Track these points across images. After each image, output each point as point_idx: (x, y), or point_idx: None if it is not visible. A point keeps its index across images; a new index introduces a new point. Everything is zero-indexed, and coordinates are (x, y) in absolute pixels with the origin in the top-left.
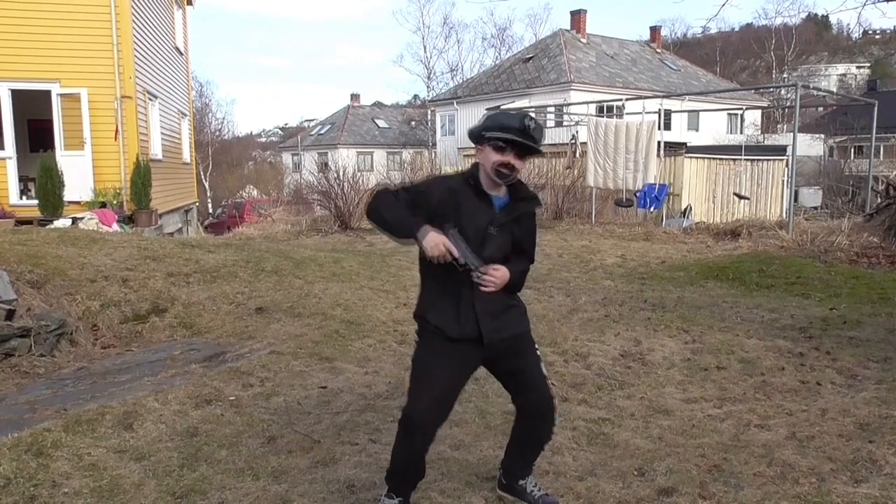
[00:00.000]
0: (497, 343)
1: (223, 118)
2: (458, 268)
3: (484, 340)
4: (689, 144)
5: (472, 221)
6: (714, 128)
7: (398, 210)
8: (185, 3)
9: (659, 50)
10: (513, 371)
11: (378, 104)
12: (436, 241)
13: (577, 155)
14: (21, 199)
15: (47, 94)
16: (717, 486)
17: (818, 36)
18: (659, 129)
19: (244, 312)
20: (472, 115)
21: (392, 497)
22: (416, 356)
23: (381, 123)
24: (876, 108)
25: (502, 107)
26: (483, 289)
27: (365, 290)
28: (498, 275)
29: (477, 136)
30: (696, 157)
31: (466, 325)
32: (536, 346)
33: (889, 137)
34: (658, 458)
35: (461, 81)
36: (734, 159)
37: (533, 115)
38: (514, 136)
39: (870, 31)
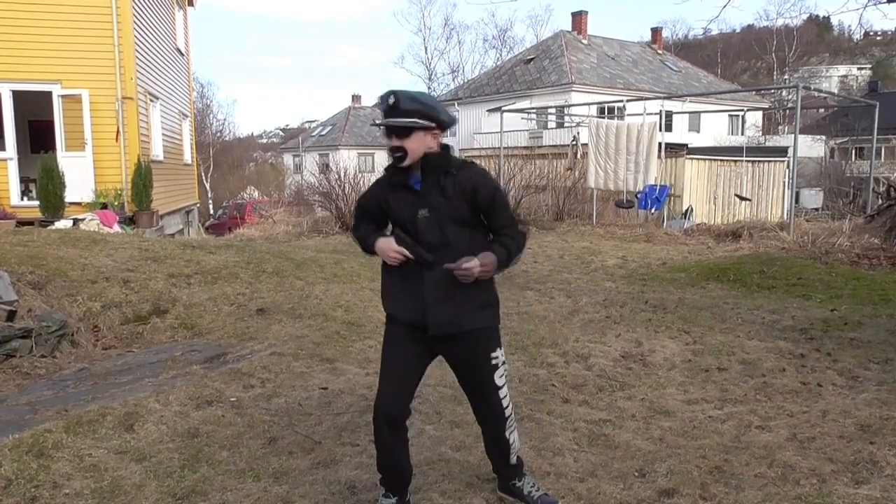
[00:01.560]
0: (442, 334)
1: (224, 119)
2: (418, 263)
3: (428, 330)
4: (690, 146)
5: (401, 214)
6: (715, 129)
7: (359, 228)
8: (186, 3)
9: (660, 51)
10: (463, 377)
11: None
12: (384, 249)
13: (578, 156)
14: (22, 200)
15: (48, 94)
16: (718, 488)
17: (819, 37)
18: (660, 130)
19: (245, 313)
20: (473, 117)
21: (389, 497)
22: (382, 346)
23: None
24: (877, 110)
25: (503, 108)
26: (463, 281)
27: (366, 292)
28: (471, 266)
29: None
30: (697, 159)
31: (413, 311)
32: (499, 352)
33: (890, 139)
34: (659, 460)
35: (462, 83)
36: (735, 160)
37: (394, 90)
38: (385, 118)
39: (871, 33)
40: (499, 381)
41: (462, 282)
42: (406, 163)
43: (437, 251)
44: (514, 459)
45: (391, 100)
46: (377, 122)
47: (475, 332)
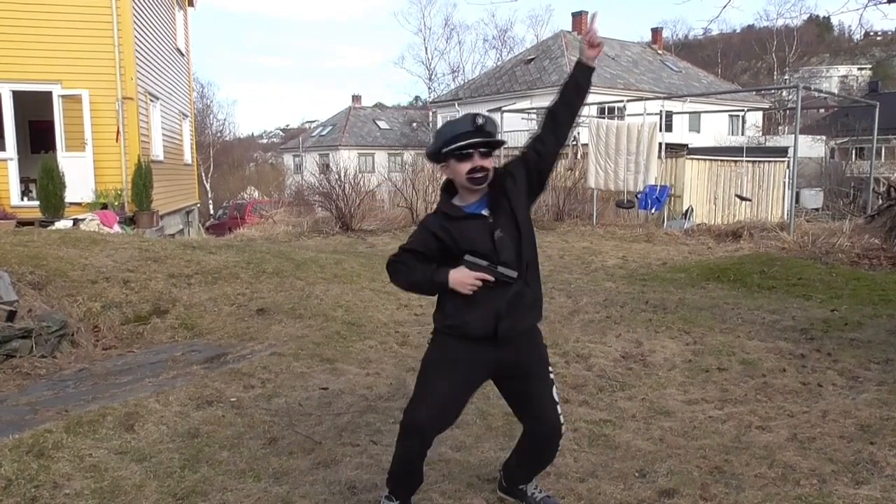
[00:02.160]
0: (509, 339)
1: (224, 119)
2: (494, 283)
3: (498, 335)
4: (690, 146)
5: (476, 243)
6: (715, 129)
7: (415, 273)
8: (187, 3)
9: (660, 51)
10: (521, 394)
11: (379, 105)
12: (461, 280)
13: (579, 156)
14: (22, 200)
15: (48, 95)
16: (719, 488)
17: (819, 37)
18: (660, 130)
19: (245, 314)
20: None
21: (392, 499)
22: (425, 357)
23: (383, 125)
24: (877, 110)
25: (503, 108)
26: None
27: (366, 292)
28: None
29: (436, 155)
30: (698, 159)
31: (485, 323)
32: (550, 368)
33: (890, 139)
34: (659, 460)
35: (462, 83)
36: (735, 161)
37: (483, 113)
38: (472, 138)
39: (871, 33)
40: (556, 396)
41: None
42: (486, 182)
43: (517, 266)
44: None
45: (480, 120)
46: (473, 141)
47: (537, 337)
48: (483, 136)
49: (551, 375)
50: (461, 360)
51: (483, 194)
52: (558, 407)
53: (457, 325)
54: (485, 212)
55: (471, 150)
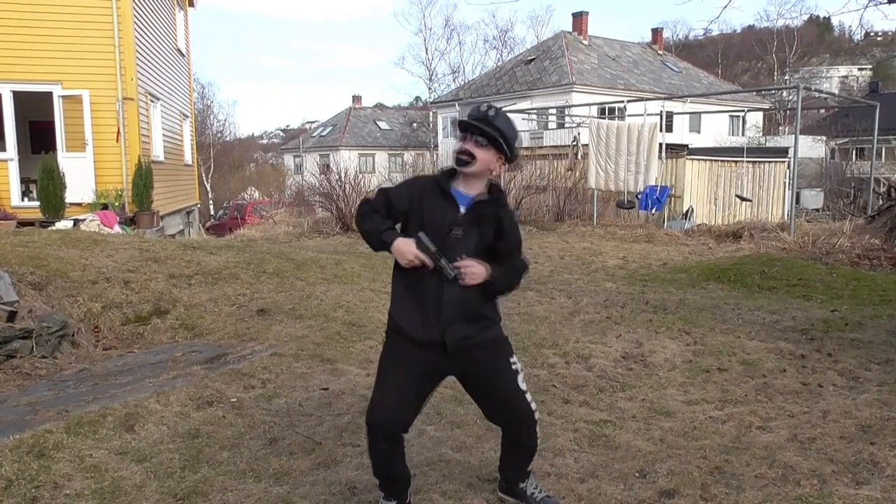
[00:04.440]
0: (462, 351)
1: (225, 120)
2: (430, 272)
3: (448, 348)
4: (690, 146)
5: (434, 220)
6: (716, 130)
7: (372, 221)
8: (187, 4)
9: (661, 52)
10: (487, 394)
11: (380, 106)
12: (403, 251)
13: (579, 157)
14: (23, 200)
15: (49, 95)
16: (719, 488)
17: (820, 38)
18: (660, 130)
19: (246, 314)
20: None
21: (389, 500)
22: (381, 356)
23: (383, 125)
24: (878, 110)
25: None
26: (461, 282)
27: (366, 292)
28: (469, 265)
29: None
30: (698, 159)
31: (430, 328)
32: (515, 358)
33: (890, 139)
34: (659, 460)
35: (463, 83)
36: (736, 161)
37: (496, 105)
38: (468, 120)
39: (871, 33)
40: (522, 385)
41: (461, 281)
42: (468, 169)
43: (458, 270)
44: (531, 464)
45: (490, 111)
46: (467, 118)
47: (490, 342)
48: (480, 121)
49: (514, 366)
50: (416, 357)
51: (474, 197)
52: (527, 395)
53: (393, 321)
54: (463, 208)
55: (465, 133)
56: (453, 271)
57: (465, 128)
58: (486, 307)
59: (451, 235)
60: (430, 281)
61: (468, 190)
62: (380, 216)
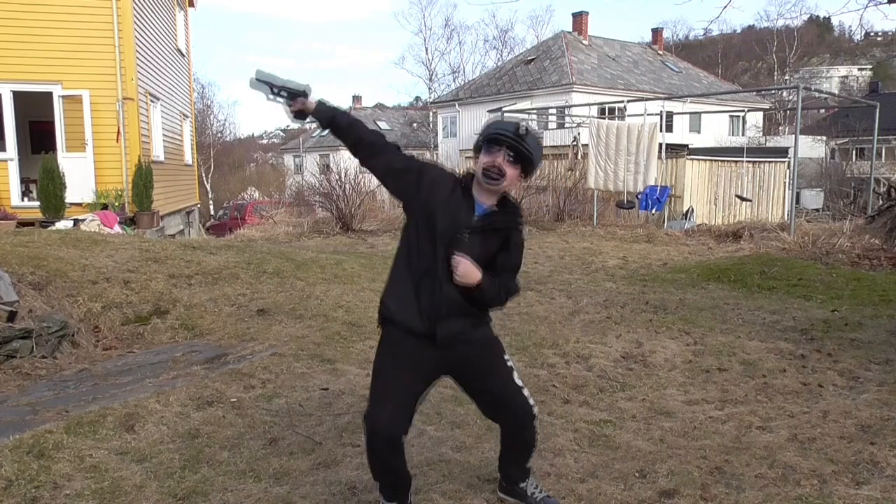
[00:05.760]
0: (450, 346)
1: (225, 120)
2: (271, 96)
3: (436, 340)
4: (690, 146)
5: (446, 217)
6: (716, 130)
7: (373, 135)
8: (187, 4)
9: (661, 52)
10: (483, 391)
11: (380, 106)
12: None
13: (579, 157)
14: (23, 200)
15: (49, 95)
16: (719, 488)
17: (820, 38)
18: (660, 131)
19: (246, 314)
20: (473, 117)
21: (390, 502)
22: (376, 357)
23: (383, 125)
24: (878, 110)
25: (504, 108)
26: (455, 276)
27: (366, 292)
28: (465, 263)
29: (476, 144)
30: (698, 159)
31: (423, 320)
32: (507, 356)
33: (891, 139)
34: (659, 460)
35: (463, 83)
36: (736, 161)
37: (530, 125)
38: (504, 134)
39: (871, 33)
40: (518, 382)
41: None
42: (495, 186)
43: (444, 272)
44: (531, 462)
45: (524, 130)
46: (501, 132)
47: (483, 339)
48: (518, 141)
49: (509, 363)
50: (407, 360)
51: (491, 207)
52: (524, 391)
53: (386, 307)
54: (477, 216)
55: (498, 147)
56: (298, 89)
57: (498, 141)
58: (481, 311)
59: (458, 237)
60: (433, 276)
61: (483, 199)
62: (390, 149)
